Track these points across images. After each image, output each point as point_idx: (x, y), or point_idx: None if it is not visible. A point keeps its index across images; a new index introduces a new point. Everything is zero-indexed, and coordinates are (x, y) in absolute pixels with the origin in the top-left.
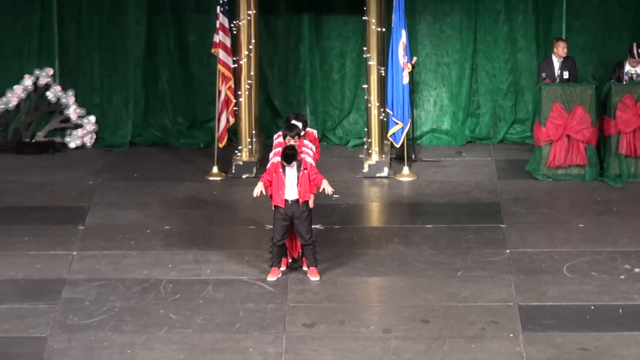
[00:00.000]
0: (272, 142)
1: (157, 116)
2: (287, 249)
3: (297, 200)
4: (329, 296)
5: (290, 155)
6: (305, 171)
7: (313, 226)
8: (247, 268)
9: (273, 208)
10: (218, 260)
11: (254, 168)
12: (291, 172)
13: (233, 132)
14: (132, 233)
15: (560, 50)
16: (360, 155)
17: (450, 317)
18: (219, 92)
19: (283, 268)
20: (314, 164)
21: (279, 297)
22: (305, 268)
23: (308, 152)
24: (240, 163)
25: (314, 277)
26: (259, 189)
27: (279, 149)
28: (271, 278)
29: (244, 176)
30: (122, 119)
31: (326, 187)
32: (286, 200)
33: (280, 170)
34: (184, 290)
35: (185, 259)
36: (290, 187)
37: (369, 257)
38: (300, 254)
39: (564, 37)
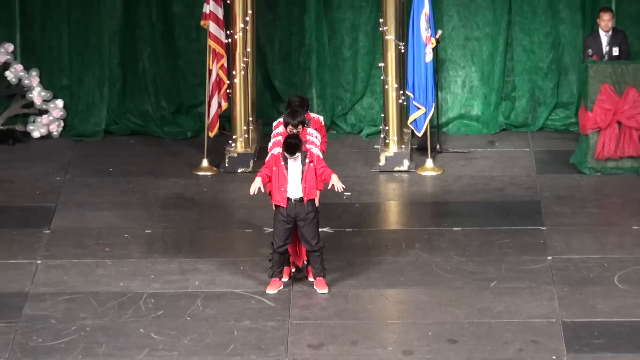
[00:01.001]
0: (272, 130)
1: (137, 100)
2: (290, 257)
3: (302, 199)
4: (339, 312)
5: (293, 145)
6: (311, 164)
7: (320, 229)
8: (242, 279)
9: (273, 208)
10: (208, 270)
11: (251, 161)
12: (294, 165)
13: (226, 118)
14: (106, 238)
15: (603, 24)
16: (376, 146)
17: (482, 336)
18: (210, 71)
19: (285, 279)
20: (321, 156)
21: (281, 314)
22: (311, 279)
23: (314, 141)
24: (235, 155)
25: (322, 290)
26: (256, 185)
27: (280, 139)
28: (271, 291)
29: (239, 170)
30: (95, 104)
31: (336, 183)
32: (289, 199)
33: (282, 163)
34: (168, 306)
35: (170, 268)
36: (294, 184)
37: (386, 266)
38: (305, 262)
39: (613, 7)
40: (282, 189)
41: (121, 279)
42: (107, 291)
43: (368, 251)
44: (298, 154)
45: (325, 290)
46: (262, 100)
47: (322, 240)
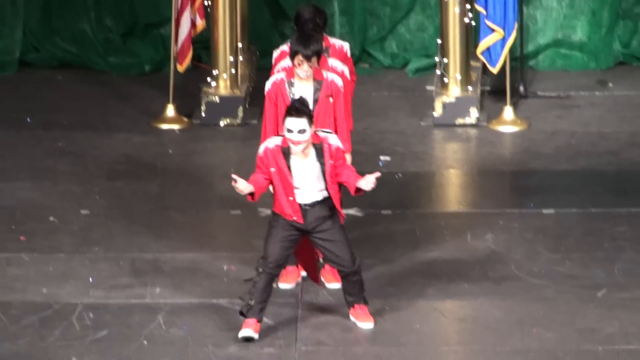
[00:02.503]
0: (271, 64)
1: (68, 16)
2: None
3: (318, 203)
4: (371, 334)
5: (298, 110)
6: (331, 161)
7: (344, 211)
8: (226, 284)
9: (270, 214)
10: (175, 271)
11: (240, 108)
12: (303, 163)
13: (203, 44)
14: (22, 222)
15: None
16: (429, 87)
17: None
18: None
19: (292, 285)
20: (341, 147)
21: (283, 336)
22: (332, 285)
23: (337, 88)
24: (216, 99)
25: (366, 323)
26: (246, 190)
27: (281, 76)
28: (245, 334)
29: (221, 123)
30: (7, 22)
31: (367, 183)
32: (300, 207)
33: (282, 159)
34: (114, 323)
35: (118, 268)
36: (305, 184)
37: (442, 266)
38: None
39: None
40: (291, 198)
41: (44, 283)
42: (23, 301)
43: (415, 244)
44: (307, 136)
45: (371, 325)
46: (258, 18)
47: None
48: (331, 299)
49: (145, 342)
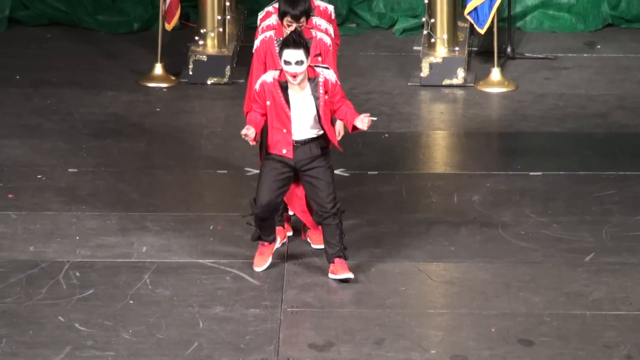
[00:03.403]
0: (257, 23)
1: None
2: (286, 212)
3: (310, 140)
4: (356, 296)
5: (295, 42)
6: (326, 96)
7: (334, 171)
8: (213, 244)
9: (259, 155)
10: (162, 230)
11: (227, 67)
12: (300, 97)
13: (190, 3)
14: (10, 180)
15: None
16: (416, 48)
17: (572, 336)
18: None
19: (277, 244)
20: (338, 82)
21: (269, 297)
22: (316, 246)
23: (324, 43)
24: (203, 58)
25: (343, 275)
26: (251, 135)
27: (270, 35)
28: (260, 266)
29: (209, 81)
30: None
31: (362, 123)
32: (292, 143)
33: (279, 92)
34: (100, 282)
35: (105, 226)
36: (300, 122)
37: (428, 228)
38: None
39: None
40: (285, 130)
41: (31, 241)
42: (10, 259)
43: (402, 205)
44: (302, 75)
45: (348, 275)
46: None
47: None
48: (317, 260)
49: (131, 302)
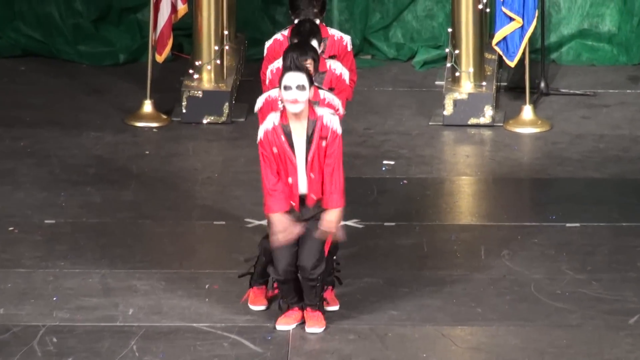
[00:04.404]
0: (262, 54)
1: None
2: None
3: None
4: None
5: (297, 65)
6: (324, 142)
7: (346, 222)
8: (208, 306)
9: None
10: (151, 290)
11: (226, 104)
12: (301, 138)
13: (184, 32)
14: None
15: None
16: (438, 82)
17: None
18: None
19: (262, 307)
20: (338, 131)
21: None
22: (328, 307)
23: (331, 102)
24: (198, 94)
25: (313, 328)
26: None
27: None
28: (284, 325)
29: (205, 120)
30: None
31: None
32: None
33: (282, 138)
34: (81, 349)
35: (86, 285)
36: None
37: (452, 287)
38: None
39: None
40: (291, 180)
41: (2, 302)
42: None
43: (422, 261)
44: (303, 105)
45: (318, 330)
46: (246, 3)
47: (342, 247)
48: (327, 324)
49: None
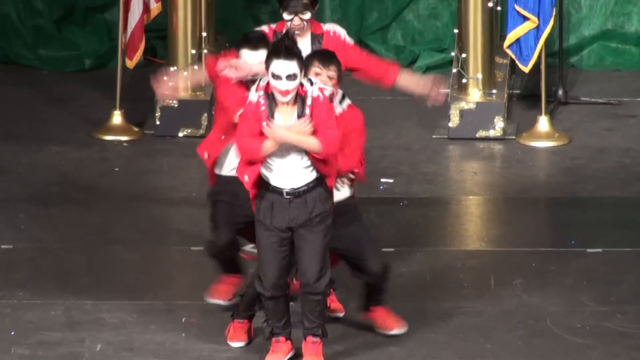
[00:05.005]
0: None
1: None
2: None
3: (305, 191)
4: None
5: (288, 50)
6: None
7: (337, 246)
8: (186, 340)
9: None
10: (121, 323)
11: (204, 115)
12: (286, 118)
13: (158, 33)
14: None
15: None
16: (443, 90)
17: None
18: None
19: (242, 343)
20: (329, 89)
21: None
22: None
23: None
24: (174, 104)
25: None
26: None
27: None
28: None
29: (180, 133)
30: None
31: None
32: (280, 192)
33: (262, 107)
34: None
35: (48, 318)
36: (287, 161)
37: (459, 319)
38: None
39: None
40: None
41: None
42: None
43: (425, 291)
44: (294, 92)
45: None
46: (227, 1)
47: (337, 271)
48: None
49: None
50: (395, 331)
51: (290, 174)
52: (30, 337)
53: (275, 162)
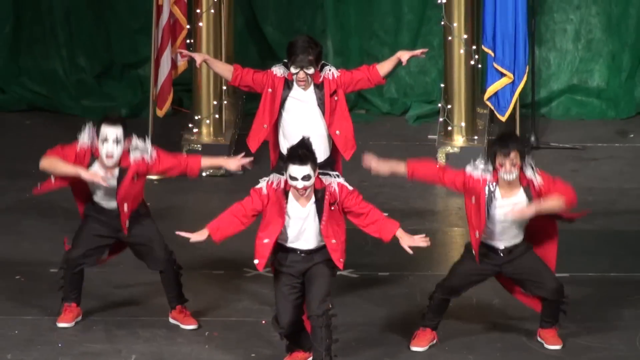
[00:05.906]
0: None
1: (38, 54)
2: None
3: (315, 250)
4: None
5: (301, 158)
6: (332, 208)
7: (341, 272)
8: (209, 353)
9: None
10: (152, 337)
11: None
12: (303, 209)
13: (184, 87)
14: None
15: None
16: (431, 136)
17: None
18: (159, 9)
19: None
20: (350, 188)
21: None
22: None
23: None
24: (198, 147)
25: None
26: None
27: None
28: None
29: (204, 173)
30: None
31: (408, 242)
32: (294, 250)
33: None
34: None
35: (90, 333)
36: (304, 232)
37: (443, 335)
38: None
39: None
40: (267, 240)
41: (8, 348)
42: None
43: (415, 310)
44: (310, 188)
45: None
46: (244, 58)
47: (336, 296)
48: None
49: None
50: (554, 347)
51: (308, 239)
52: (74, 349)
53: (293, 231)
